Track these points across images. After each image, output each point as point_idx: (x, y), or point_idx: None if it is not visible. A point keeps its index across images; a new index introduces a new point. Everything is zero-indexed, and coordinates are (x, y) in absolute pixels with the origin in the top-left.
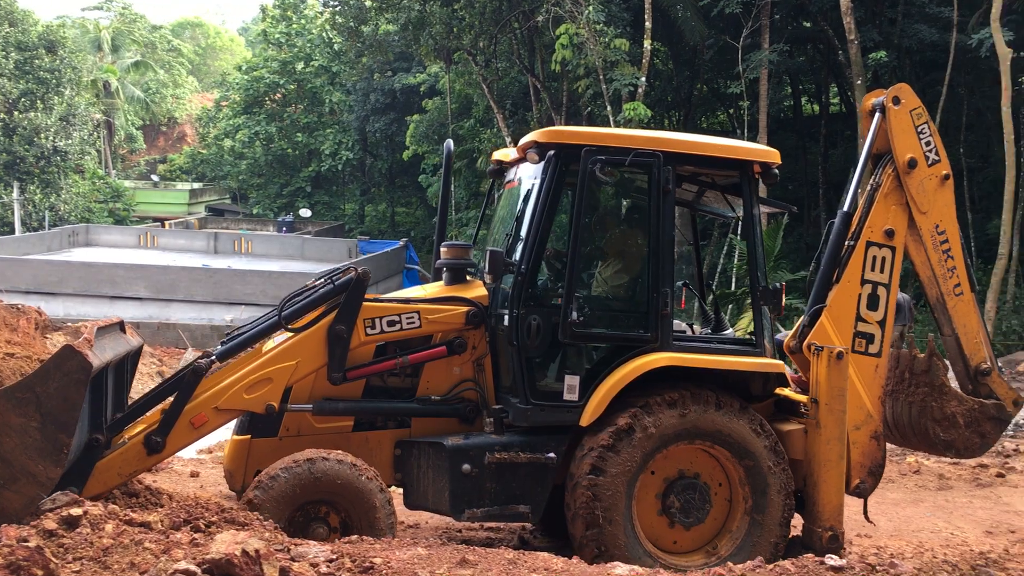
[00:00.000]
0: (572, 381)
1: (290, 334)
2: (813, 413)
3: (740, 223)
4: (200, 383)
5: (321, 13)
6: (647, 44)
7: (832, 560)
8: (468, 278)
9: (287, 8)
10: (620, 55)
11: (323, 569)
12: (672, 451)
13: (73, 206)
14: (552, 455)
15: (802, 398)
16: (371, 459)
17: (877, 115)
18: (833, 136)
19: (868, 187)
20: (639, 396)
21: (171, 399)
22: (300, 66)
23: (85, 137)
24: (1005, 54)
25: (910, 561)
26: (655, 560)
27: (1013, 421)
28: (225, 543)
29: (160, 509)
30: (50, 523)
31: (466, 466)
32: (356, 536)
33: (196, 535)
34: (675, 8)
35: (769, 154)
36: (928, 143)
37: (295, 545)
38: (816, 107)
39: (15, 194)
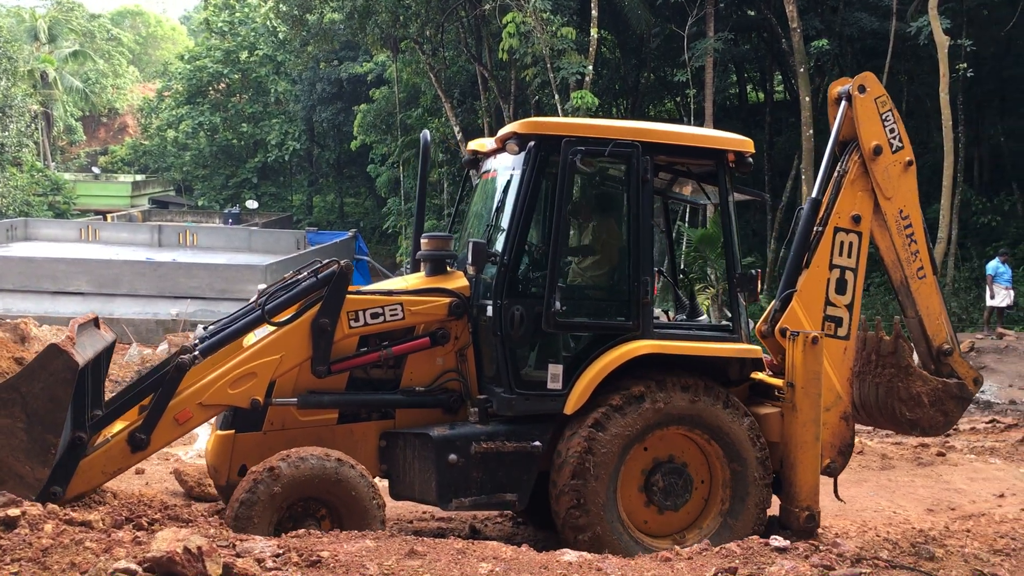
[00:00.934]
0: (555, 370)
1: (273, 328)
2: (789, 396)
3: (706, 211)
4: (183, 379)
5: (265, 1)
6: (594, 32)
7: (776, 541)
8: (449, 269)
9: None
10: (567, 43)
11: (269, 564)
12: (658, 436)
13: (11, 200)
14: (538, 443)
15: (776, 382)
16: (356, 451)
17: (843, 103)
18: (778, 123)
19: (835, 174)
20: (621, 383)
21: (152, 396)
22: (244, 55)
23: (22, 129)
24: (943, 42)
25: (853, 540)
26: (628, 535)
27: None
28: (167, 541)
29: (102, 508)
30: None
31: (452, 456)
32: (304, 531)
33: (138, 533)
34: None
35: (743, 143)
36: (892, 130)
37: (240, 541)
38: (761, 95)
39: None
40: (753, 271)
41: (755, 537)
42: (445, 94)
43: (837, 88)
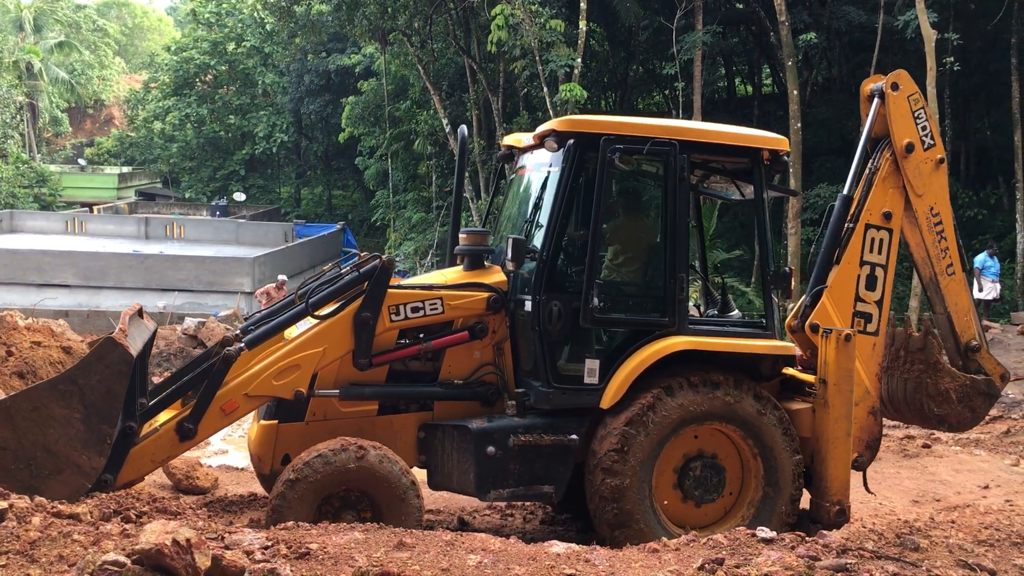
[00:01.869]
0: (592, 365)
1: (316, 321)
2: (822, 393)
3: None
4: (230, 370)
5: None
6: (582, 25)
7: (763, 532)
8: (486, 264)
9: None
10: (556, 36)
11: (258, 556)
12: (692, 430)
13: None
14: (575, 437)
15: (807, 377)
16: (395, 442)
17: (876, 100)
18: (766, 116)
19: (866, 171)
20: (656, 378)
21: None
22: (231, 47)
23: (7, 120)
24: (930, 35)
25: (839, 531)
26: (662, 528)
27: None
28: (155, 533)
29: (90, 500)
30: None
31: (491, 448)
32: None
33: (127, 526)
34: None
35: (779, 142)
36: (924, 127)
37: (229, 533)
38: (749, 88)
39: None
40: (788, 268)
41: (742, 528)
42: (434, 86)
43: (870, 85)
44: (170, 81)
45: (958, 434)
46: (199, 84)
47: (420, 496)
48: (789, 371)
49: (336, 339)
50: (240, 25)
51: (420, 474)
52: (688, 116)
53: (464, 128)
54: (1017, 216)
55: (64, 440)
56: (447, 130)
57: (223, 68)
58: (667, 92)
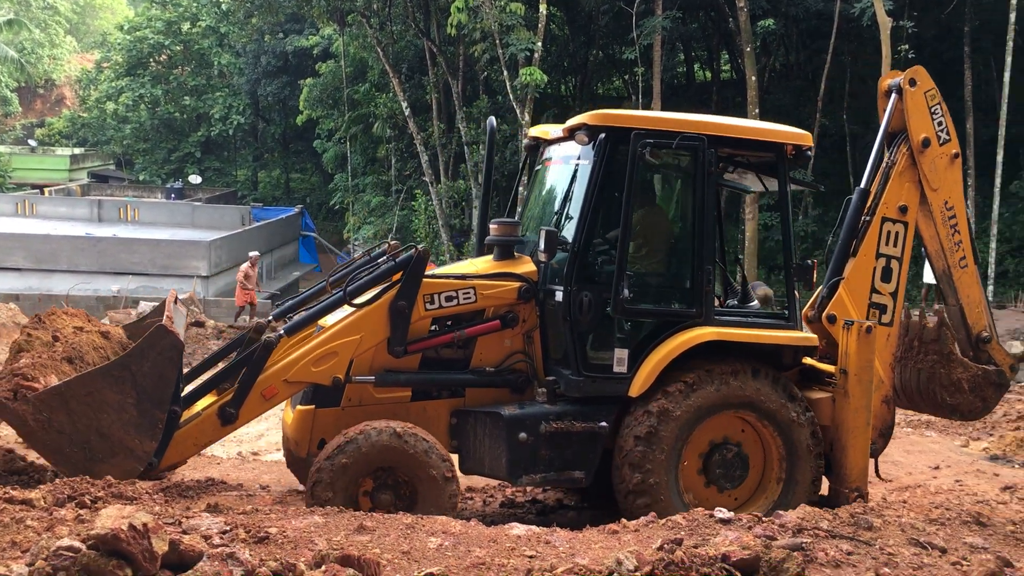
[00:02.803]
0: (621, 354)
1: (353, 309)
2: (842, 383)
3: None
4: (270, 357)
5: None
6: (543, 8)
7: (721, 513)
8: (516, 254)
9: None
10: (516, 19)
11: (216, 541)
12: (717, 419)
13: None
14: (604, 424)
15: (826, 367)
16: (428, 427)
17: (894, 95)
18: (724, 102)
19: (883, 165)
20: (682, 367)
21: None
22: (186, 26)
23: None
24: (885, 23)
25: (794, 511)
26: None
27: None
28: (111, 518)
29: (43, 486)
30: None
31: (523, 434)
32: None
33: (81, 511)
34: None
35: (802, 137)
36: (940, 123)
37: (186, 518)
38: (708, 74)
39: None
40: (810, 261)
41: (700, 509)
42: (393, 69)
43: (887, 81)
44: (123, 61)
45: (970, 422)
46: (153, 64)
47: (456, 477)
48: (808, 361)
49: (373, 327)
50: (195, 4)
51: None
52: (648, 101)
53: (493, 120)
54: (968, 202)
55: (117, 424)
56: (406, 113)
57: (178, 48)
58: (627, 77)
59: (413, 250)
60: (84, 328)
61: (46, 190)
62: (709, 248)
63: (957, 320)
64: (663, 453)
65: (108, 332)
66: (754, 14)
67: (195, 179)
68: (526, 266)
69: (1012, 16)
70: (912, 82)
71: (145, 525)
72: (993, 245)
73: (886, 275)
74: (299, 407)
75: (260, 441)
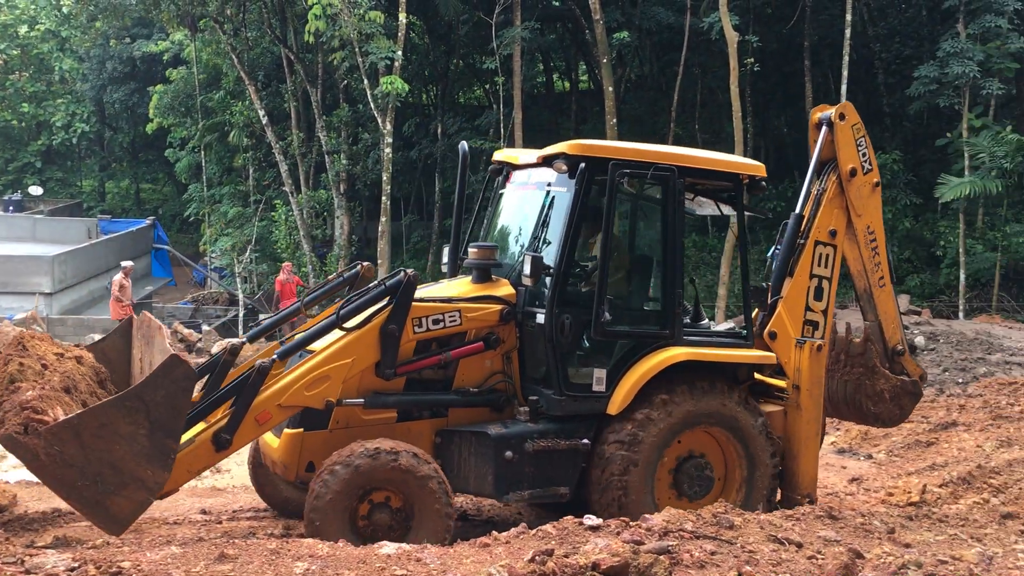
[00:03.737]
0: (600, 374)
1: (343, 333)
2: (795, 397)
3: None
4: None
5: None
6: (402, 17)
7: (590, 520)
8: (493, 277)
9: None
10: (375, 28)
11: None
12: (688, 433)
13: None
14: (587, 441)
15: (775, 382)
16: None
17: (824, 128)
18: (583, 112)
19: (815, 192)
20: (654, 385)
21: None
22: (23, 30)
23: None
24: (732, 37)
25: (661, 515)
26: None
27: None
28: None
29: None
30: None
31: (508, 452)
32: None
33: None
34: None
35: (757, 168)
36: (864, 154)
37: (30, 556)
38: (567, 84)
39: None
40: (764, 284)
41: (569, 517)
42: (249, 76)
43: (818, 114)
44: None
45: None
46: None
47: (450, 493)
48: (758, 376)
49: (364, 350)
50: (33, 7)
51: None
52: (508, 111)
53: (465, 144)
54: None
55: (129, 456)
56: (264, 122)
57: (15, 52)
58: (488, 86)
59: (402, 274)
60: (64, 354)
61: None
62: (679, 272)
63: (876, 334)
64: (642, 466)
65: (81, 356)
66: (610, 26)
67: (36, 190)
68: (505, 289)
69: (847, 32)
70: (842, 116)
71: None
72: None
73: (818, 294)
74: (287, 430)
75: None
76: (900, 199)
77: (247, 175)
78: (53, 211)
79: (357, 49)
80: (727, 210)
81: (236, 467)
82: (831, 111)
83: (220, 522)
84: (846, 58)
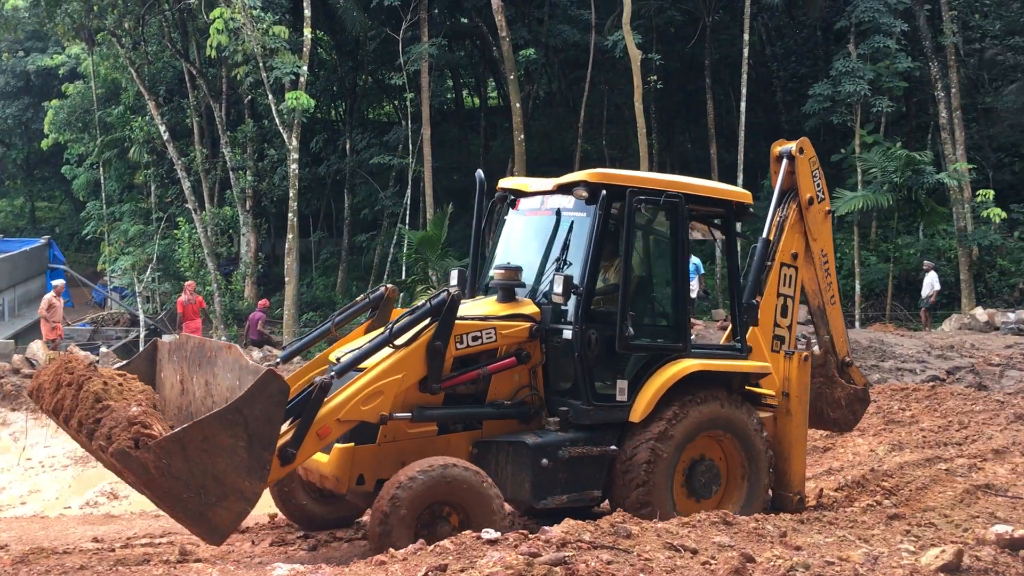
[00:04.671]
0: (622, 384)
1: (392, 351)
2: (784, 404)
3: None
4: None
5: None
6: (307, 32)
7: (488, 534)
8: (517, 297)
9: None
10: (280, 43)
11: None
12: (698, 438)
13: None
14: (614, 447)
15: (763, 391)
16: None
17: (785, 161)
18: (493, 128)
19: (778, 218)
20: (669, 394)
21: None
22: None
23: None
24: (636, 55)
25: (560, 527)
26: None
27: None
28: None
29: None
30: None
31: (544, 460)
32: None
33: None
34: None
35: (746, 196)
36: (819, 185)
37: None
38: (476, 100)
39: None
40: (755, 301)
41: (468, 532)
42: (149, 91)
43: (779, 148)
44: None
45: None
46: None
47: (503, 503)
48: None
49: (412, 366)
50: None
51: None
52: (417, 127)
53: (480, 172)
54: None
55: (230, 468)
56: (165, 137)
57: None
58: (396, 102)
59: (446, 293)
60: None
61: None
62: (687, 289)
63: (828, 347)
64: (665, 468)
65: (134, 378)
66: (517, 44)
67: None
68: (531, 307)
69: (745, 51)
70: (801, 151)
71: None
72: None
73: (784, 311)
74: (338, 445)
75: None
76: None
77: (149, 192)
78: None
79: (261, 64)
80: (717, 234)
81: (134, 492)
82: (791, 145)
83: (113, 550)
84: (745, 76)
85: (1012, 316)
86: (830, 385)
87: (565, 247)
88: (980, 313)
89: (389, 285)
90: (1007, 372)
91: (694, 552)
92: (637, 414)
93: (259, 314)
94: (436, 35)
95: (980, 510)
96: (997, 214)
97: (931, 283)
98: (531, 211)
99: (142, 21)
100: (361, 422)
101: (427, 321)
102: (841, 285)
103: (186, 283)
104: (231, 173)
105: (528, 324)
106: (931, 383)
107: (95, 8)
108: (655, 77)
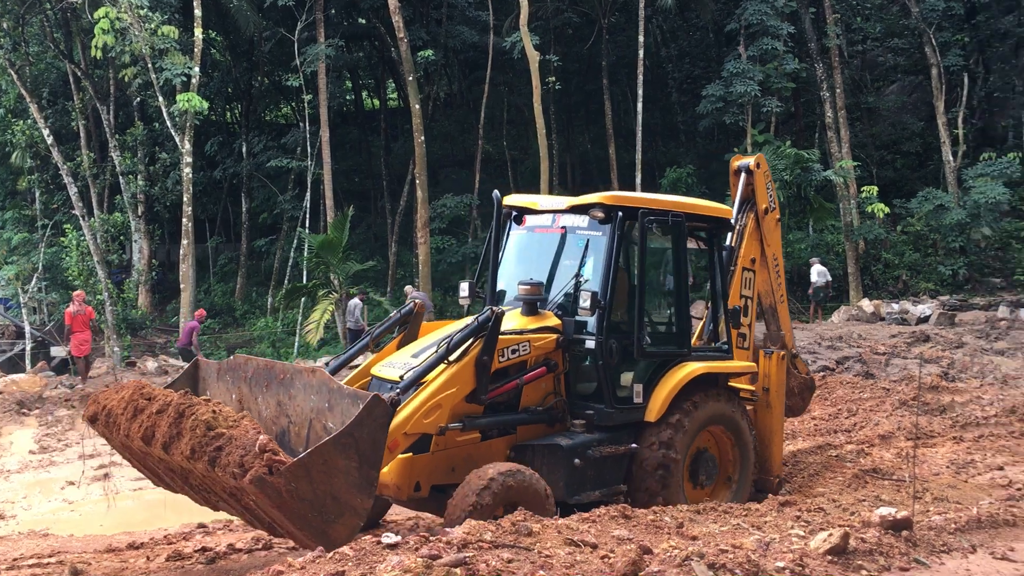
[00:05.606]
0: (638, 388)
1: (444, 366)
2: (764, 398)
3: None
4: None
5: None
6: (198, 32)
7: (388, 538)
8: (540, 310)
9: None
10: (169, 43)
11: None
12: (702, 432)
13: None
14: (635, 445)
15: (741, 386)
16: (494, 462)
17: (744, 174)
18: (393, 129)
19: (738, 227)
20: (678, 395)
21: None
22: None
23: None
24: (534, 56)
25: (460, 527)
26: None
27: None
28: None
29: None
30: None
31: (576, 460)
32: None
33: None
34: None
35: (728, 212)
36: (771, 195)
37: None
38: (376, 101)
39: None
40: (738, 306)
41: (368, 537)
42: (31, 94)
43: (737, 162)
44: None
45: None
46: None
47: (555, 503)
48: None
49: (464, 380)
50: None
51: None
52: (315, 129)
53: (497, 192)
54: None
55: (345, 487)
56: (49, 141)
57: None
58: (294, 104)
59: (490, 311)
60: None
61: None
62: (688, 299)
63: (779, 342)
64: (679, 460)
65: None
66: (415, 45)
67: None
68: (554, 320)
69: (641, 52)
70: (758, 165)
71: None
72: None
73: (745, 311)
74: (400, 456)
75: None
76: None
77: (33, 198)
78: None
79: (150, 65)
80: (702, 245)
81: (22, 511)
82: (749, 160)
83: (88, 563)
84: (641, 78)
85: (896, 307)
86: (786, 375)
87: (583, 263)
88: (867, 304)
89: (418, 300)
90: (892, 360)
91: (594, 547)
92: (653, 414)
93: (195, 323)
94: (333, 36)
95: (867, 494)
96: (881, 209)
97: (822, 273)
98: (539, 227)
99: (22, 21)
100: (423, 434)
101: (473, 338)
102: None
103: (75, 293)
104: (121, 178)
105: (555, 336)
106: (822, 373)
107: None
108: (554, 78)
